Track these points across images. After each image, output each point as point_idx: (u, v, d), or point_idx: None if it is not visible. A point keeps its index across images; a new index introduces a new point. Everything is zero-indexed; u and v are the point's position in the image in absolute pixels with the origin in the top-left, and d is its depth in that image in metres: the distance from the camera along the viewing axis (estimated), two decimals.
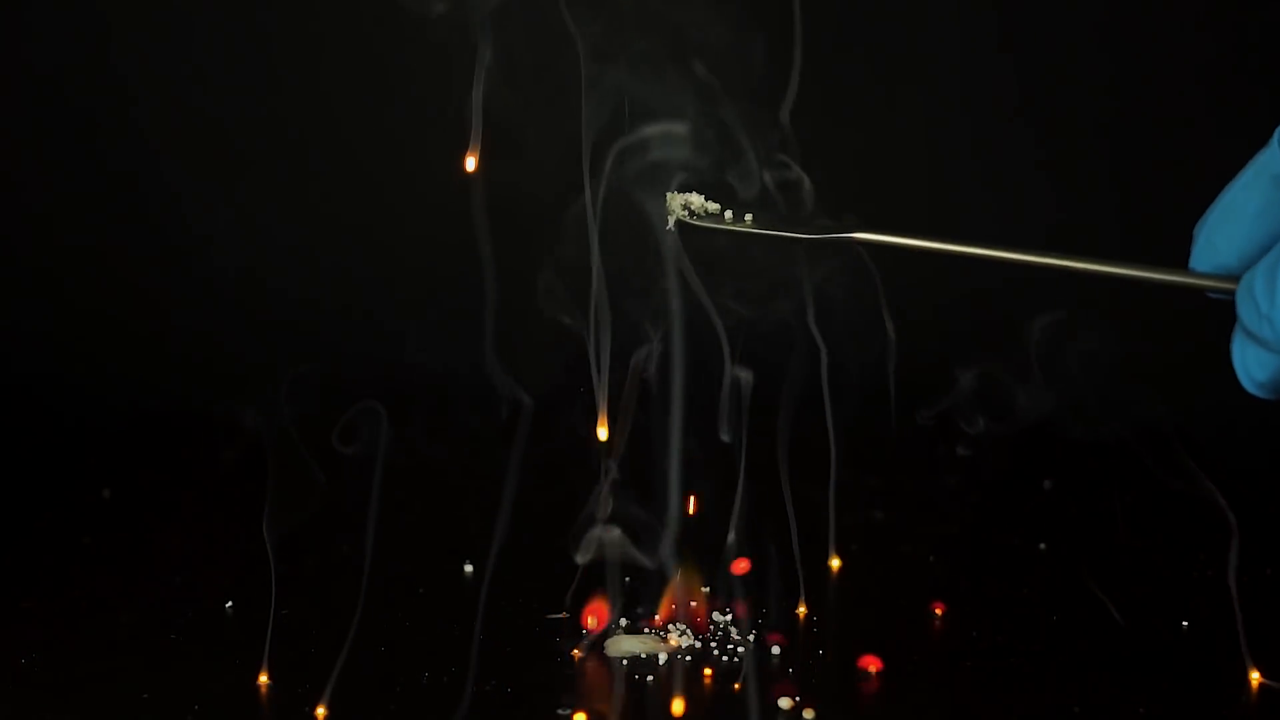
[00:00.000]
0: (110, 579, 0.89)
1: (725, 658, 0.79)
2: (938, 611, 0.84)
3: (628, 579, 0.88)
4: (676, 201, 0.74)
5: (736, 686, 0.76)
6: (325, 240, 1.32)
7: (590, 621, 0.82)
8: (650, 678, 0.76)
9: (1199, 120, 1.26)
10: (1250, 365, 0.64)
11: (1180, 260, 0.67)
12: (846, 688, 0.75)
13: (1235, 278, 0.64)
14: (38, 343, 1.29)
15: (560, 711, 0.72)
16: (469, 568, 0.90)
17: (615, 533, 0.82)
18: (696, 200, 0.74)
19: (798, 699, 0.73)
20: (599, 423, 0.84)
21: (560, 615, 0.83)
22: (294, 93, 1.30)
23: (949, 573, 0.90)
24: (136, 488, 1.06)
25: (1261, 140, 0.66)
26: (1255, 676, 0.76)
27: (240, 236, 1.31)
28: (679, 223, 0.74)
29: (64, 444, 1.18)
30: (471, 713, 0.73)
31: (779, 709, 0.73)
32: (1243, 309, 0.63)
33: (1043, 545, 0.94)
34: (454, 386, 1.30)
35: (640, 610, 0.84)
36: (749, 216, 0.73)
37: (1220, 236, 0.65)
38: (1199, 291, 0.66)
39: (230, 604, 0.85)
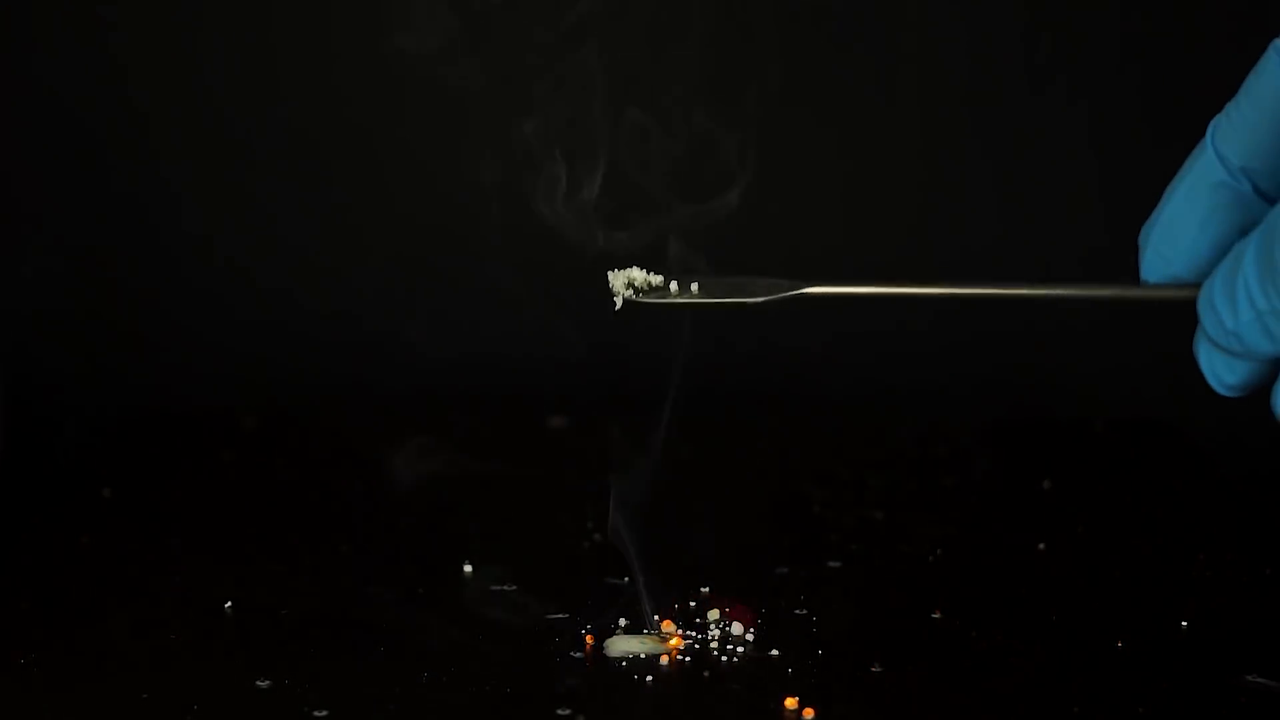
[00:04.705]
0: (110, 579, 0.89)
1: (725, 658, 0.79)
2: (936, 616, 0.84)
3: (626, 579, 0.88)
4: (619, 280, 0.74)
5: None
6: (329, 240, 1.32)
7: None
8: (650, 678, 0.76)
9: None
10: (1219, 370, 0.65)
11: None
12: (846, 688, 0.75)
13: (1191, 286, 0.65)
14: (37, 342, 1.29)
15: (560, 712, 0.72)
16: (469, 568, 0.90)
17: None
18: (639, 275, 0.74)
19: (798, 699, 0.73)
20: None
21: (560, 615, 0.83)
22: (296, 92, 1.30)
23: (949, 573, 0.90)
24: (136, 488, 1.06)
25: (1199, 132, 0.67)
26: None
27: (241, 236, 1.31)
28: (626, 302, 0.74)
29: (64, 444, 1.18)
30: (471, 713, 0.73)
31: (782, 709, 0.73)
32: (1207, 322, 0.64)
33: (1042, 545, 0.94)
34: (454, 386, 1.31)
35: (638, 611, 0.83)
36: (695, 286, 0.74)
37: (1168, 248, 0.66)
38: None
39: (230, 604, 0.85)
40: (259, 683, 0.75)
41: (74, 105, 1.29)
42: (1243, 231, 0.65)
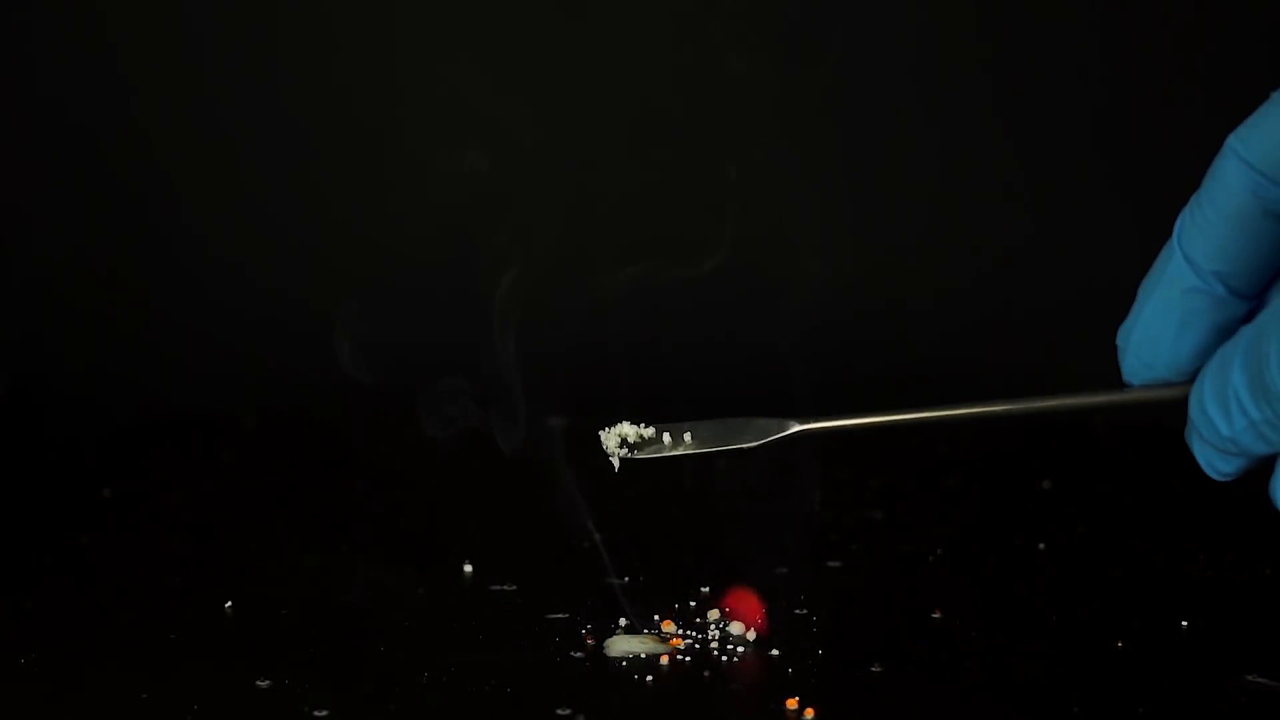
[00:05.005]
0: (110, 579, 0.89)
1: (725, 658, 0.79)
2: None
3: (627, 579, 0.88)
4: (612, 440, 0.76)
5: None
6: (329, 239, 1.32)
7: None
8: (650, 678, 0.76)
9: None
10: (1214, 461, 0.67)
11: None
12: (846, 688, 0.75)
13: (1180, 385, 0.67)
14: (37, 343, 1.29)
15: (560, 712, 0.72)
16: (469, 568, 0.90)
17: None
18: (630, 430, 0.76)
19: (798, 700, 0.73)
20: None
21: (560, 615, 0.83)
22: (295, 91, 1.30)
23: (949, 573, 0.90)
24: (136, 488, 1.06)
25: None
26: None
27: (240, 236, 1.31)
28: (623, 460, 0.76)
29: (64, 444, 1.18)
30: (471, 712, 0.73)
31: (782, 709, 0.73)
32: (1200, 425, 0.66)
33: (1042, 545, 0.94)
34: (454, 386, 1.30)
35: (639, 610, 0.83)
36: (688, 435, 0.75)
37: (1149, 354, 0.68)
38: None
39: (230, 604, 0.85)
40: (259, 683, 0.75)
41: (74, 106, 1.29)
42: (1221, 329, 0.66)
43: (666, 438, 0.75)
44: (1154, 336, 0.67)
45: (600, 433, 0.76)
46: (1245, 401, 0.63)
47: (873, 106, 1.30)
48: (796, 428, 0.73)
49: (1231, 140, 0.65)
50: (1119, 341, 0.69)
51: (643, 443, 0.75)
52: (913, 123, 1.30)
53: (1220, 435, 0.65)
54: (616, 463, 0.76)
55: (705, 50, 1.29)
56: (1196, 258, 0.66)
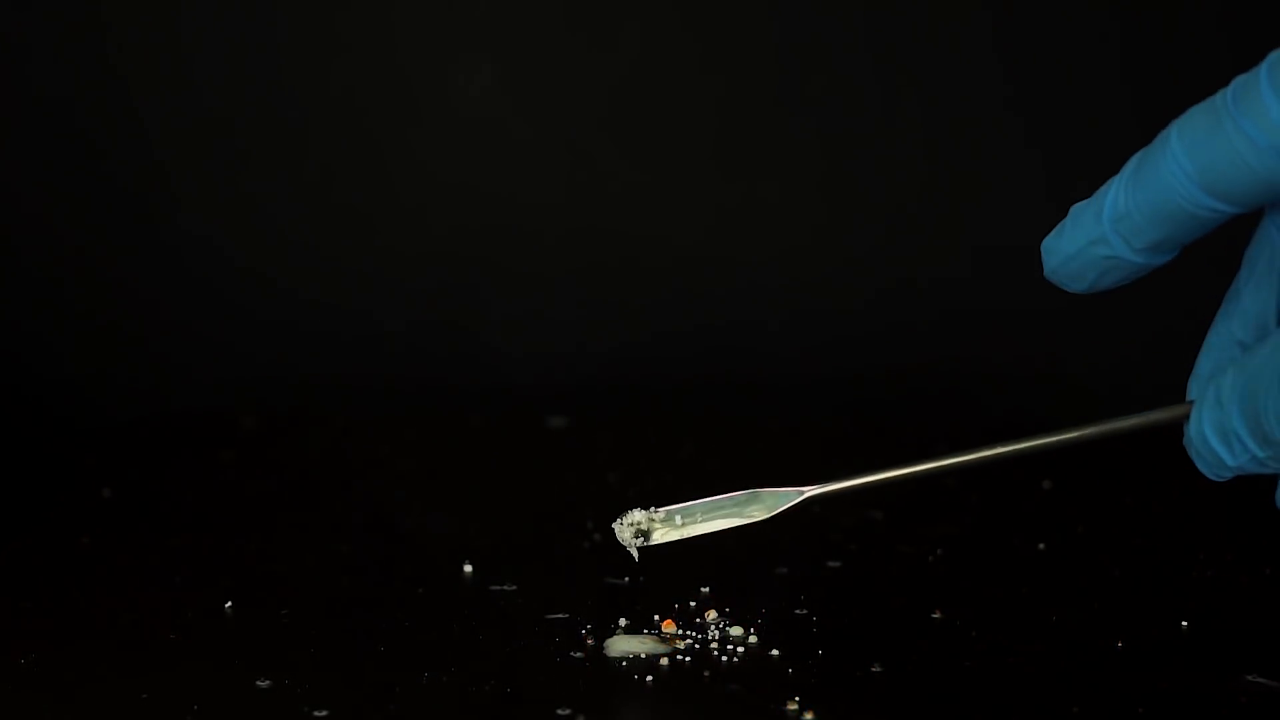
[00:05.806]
0: (110, 579, 0.89)
1: (725, 658, 0.79)
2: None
3: (626, 579, 0.88)
4: (627, 531, 0.78)
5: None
6: (327, 239, 1.32)
7: None
8: (650, 678, 0.76)
9: None
10: (1215, 470, 0.70)
11: None
12: (846, 688, 0.75)
13: (1178, 407, 0.71)
14: (37, 342, 1.29)
15: (560, 712, 0.72)
16: (469, 568, 0.90)
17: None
18: (642, 517, 0.78)
19: (798, 700, 0.73)
20: None
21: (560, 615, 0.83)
22: (295, 88, 1.30)
23: (949, 573, 0.90)
24: (136, 488, 1.06)
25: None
26: None
27: (241, 235, 1.31)
28: (641, 548, 0.79)
29: (64, 444, 1.18)
30: (471, 712, 0.73)
31: (782, 710, 0.73)
32: (1205, 453, 0.70)
33: (1042, 545, 0.94)
34: (455, 386, 1.31)
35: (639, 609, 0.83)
36: (699, 514, 0.78)
37: (1068, 281, 0.72)
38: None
39: (230, 604, 0.85)
40: (259, 683, 0.75)
41: (74, 106, 1.29)
42: (1138, 275, 0.71)
43: (678, 519, 0.78)
44: (1075, 274, 0.71)
45: (614, 525, 0.79)
46: (1248, 442, 0.67)
47: (875, 106, 1.30)
48: (808, 493, 0.77)
49: (1175, 145, 0.67)
50: (1043, 246, 0.72)
51: (655, 526, 0.78)
52: (912, 121, 1.30)
53: (1225, 465, 0.68)
54: (635, 553, 0.79)
55: (698, 48, 1.29)
56: (1126, 237, 0.69)
